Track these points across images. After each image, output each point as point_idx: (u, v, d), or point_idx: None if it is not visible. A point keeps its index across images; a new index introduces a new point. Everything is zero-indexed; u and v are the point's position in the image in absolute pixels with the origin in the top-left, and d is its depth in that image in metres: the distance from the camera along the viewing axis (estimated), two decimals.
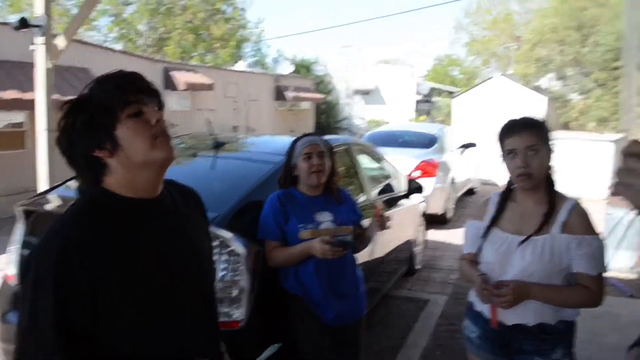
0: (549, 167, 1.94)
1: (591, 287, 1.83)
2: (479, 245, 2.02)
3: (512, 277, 1.87)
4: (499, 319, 1.91)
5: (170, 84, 11.73)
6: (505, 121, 1.98)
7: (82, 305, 1.09)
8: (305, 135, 2.67)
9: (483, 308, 1.99)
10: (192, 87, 11.89)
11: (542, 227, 1.88)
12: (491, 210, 2.05)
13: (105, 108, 1.16)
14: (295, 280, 2.45)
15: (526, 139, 1.87)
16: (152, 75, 11.44)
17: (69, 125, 1.17)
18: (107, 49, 11.23)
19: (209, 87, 12.44)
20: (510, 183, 2.02)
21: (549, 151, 1.92)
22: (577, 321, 1.99)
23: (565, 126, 15.09)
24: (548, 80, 16.28)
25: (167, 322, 1.22)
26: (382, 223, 2.58)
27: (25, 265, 1.15)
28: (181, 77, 11.75)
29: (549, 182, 1.95)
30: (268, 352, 1.48)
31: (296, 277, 2.45)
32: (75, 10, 18.41)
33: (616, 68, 12.16)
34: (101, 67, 9.71)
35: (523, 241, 1.88)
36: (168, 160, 1.22)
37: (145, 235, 1.21)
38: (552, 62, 14.70)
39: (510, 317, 1.90)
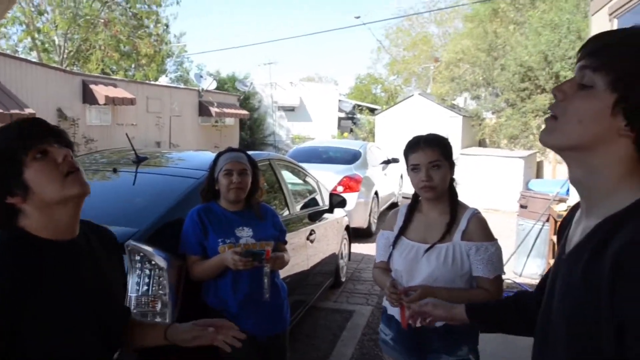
0: (451, 180, 2.11)
1: (490, 289, 2.01)
2: (389, 254, 2.16)
3: (420, 282, 2.01)
4: (408, 321, 2.04)
5: (89, 98, 11.34)
6: (410, 138, 2.14)
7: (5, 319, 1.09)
8: (229, 150, 2.70)
9: (394, 312, 2.12)
10: (113, 102, 11.56)
11: (445, 235, 2.04)
12: (400, 220, 2.19)
13: (8, 155, 1.17)
14: (214, 295, 2.49)
15: (429, 154, 2.04)
16: (70, 88, 11.02)
17: None
18: (21, 59, 10.66)
19: (130, 102, 12.13)
20: (416, 195, 2.18)
21: (451, 165, 2.10)
22: None
23: (482, 143, 15.90)
24: (464, 99, 17.14)
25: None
26: (272, 264, 2.48)
27: None
28: (101, 91, 11.40)
29: (451, 194, 2.12)
30: None
31: (215, 292, 2.48)
32: None
33: (522, 90, 13.01)
34: (14, 79, 9.31)
35: (428, 249, 2.03)
36: (82, 195, 1.24)
37: (63, 277, 1.22)
38: (466, 82, 15.49)
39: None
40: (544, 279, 1.25)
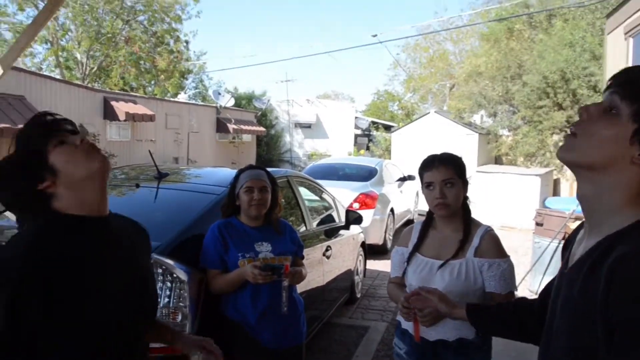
0: (464, 198, 2.16)
1: None
2: (404, 269, 2.21)
3: None
4: (422, 335, 2.08)
5: (110, 114, 11.58)
6: (425, 156, 2.20)
7: (36, 309, 1.16)
8: (249, 167, 2.79)
9: (408, 326, 2.17)
10: (133, 118, 11.79)
11: (459, 252, 2.09)
12: (414, 237, 2.25)
13: (32, 147, 1.28)
14: (233, 308, 2.55)
15: (443, 173, 2.10)
16: (92, 104, 11.27)
17: (6, 177, 1.28)
18: (44, 76, 10.94)
19: (150, 118, 12.35)
20: (430, 213, 2.23)
21: (464, 184, 2.15)
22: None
23: (498, 160, 15.85)
24: (480, 117, 17.14)
25: (105, 340, 1.30)
26: (291, 279, 2.56)
27: None
28: (121, 107, 11.63)
29: (465, 211, 2.17)
30: None
31: (234, 305, 2.54)
32: (9, 35, 17.89)
33: (540, 107, 12.99)
34: (39, 95, 9.57)
35: (442, 265, 2.08)
36: (104, 168, 1.34)
37: (96, 251, 1.31)
38: (483, 99, 15.51)
39: (433, 333, 2.08)
40: (547, 287, 1.31)
